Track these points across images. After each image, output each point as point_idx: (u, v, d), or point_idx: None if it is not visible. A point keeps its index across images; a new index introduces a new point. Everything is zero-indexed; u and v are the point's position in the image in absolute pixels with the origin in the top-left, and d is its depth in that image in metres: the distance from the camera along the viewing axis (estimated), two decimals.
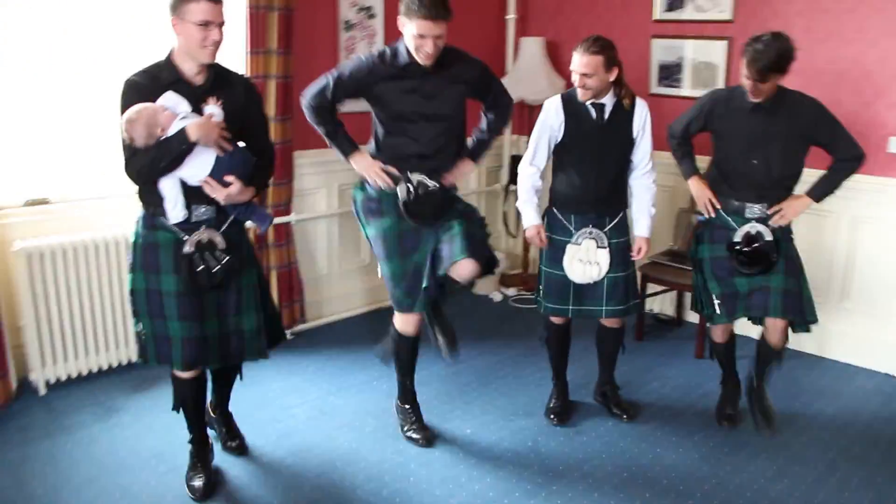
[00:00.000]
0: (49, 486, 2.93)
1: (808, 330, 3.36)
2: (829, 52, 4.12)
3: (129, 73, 2.68)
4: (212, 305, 2.80)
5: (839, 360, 4.27)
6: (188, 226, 2.70)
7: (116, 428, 3.35)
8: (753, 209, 3.24)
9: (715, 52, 4.49)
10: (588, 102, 3.19)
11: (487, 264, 3.20)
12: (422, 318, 3.29)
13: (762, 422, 3.43)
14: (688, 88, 4.61)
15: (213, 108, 2.64)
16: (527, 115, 5.17)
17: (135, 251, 2.79)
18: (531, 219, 3.29)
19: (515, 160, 5.28)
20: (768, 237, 3.20)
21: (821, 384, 4.00)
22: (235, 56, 3.87)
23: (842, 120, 4.10)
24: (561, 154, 3.30)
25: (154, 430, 3.34)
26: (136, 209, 2.82)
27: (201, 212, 2.72)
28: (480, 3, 5.16)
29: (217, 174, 2.66)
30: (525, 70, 4.98)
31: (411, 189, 3.06)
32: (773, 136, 3.15)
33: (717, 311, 3.33)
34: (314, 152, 4.24)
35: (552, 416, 3.53)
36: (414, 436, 3.33)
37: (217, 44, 2.60)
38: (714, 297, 3.33)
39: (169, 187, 2.66)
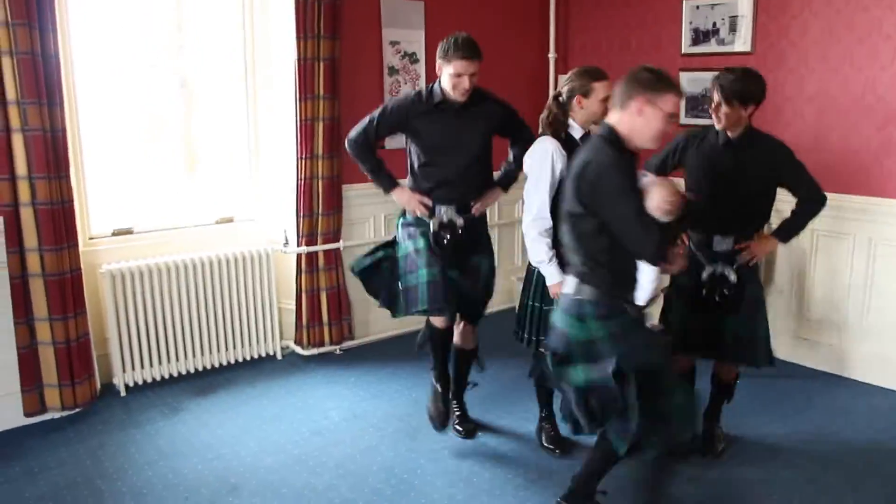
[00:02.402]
0: (118, 466, 3.50)
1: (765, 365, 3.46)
2: (843, 79, 4.29)
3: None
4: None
5: (858, 379, 4.36)
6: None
7: (178, 424, 3.91)
8: (721, 242, 3.37)
9: None
10: (579, 137, 3.28)
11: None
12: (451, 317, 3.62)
13: (705, 447, 3.59)
14: None
15: None
16: None
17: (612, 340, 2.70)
18: (557, 276, 3.17)
19: None
20: (732, 278, 3.32)
21: (834, 402, 4.12)
22: (287, 101, 4.46)
23: (856, 144, 4.29)
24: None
25: (208, 427, 3.87)
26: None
27: None
28: (526, 43, 5.61)
29: None
30: None
31: (442, 223, 3.49)
32: (742, 172, 3.29)
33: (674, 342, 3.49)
34: (361, 185, 4.72)
35: (554, 449, 3.65)
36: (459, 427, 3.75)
37: None
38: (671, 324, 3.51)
39: (652, 269, 2.71)
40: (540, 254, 3.24)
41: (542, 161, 3.21)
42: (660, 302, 3.36)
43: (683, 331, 3.43)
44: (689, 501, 3.24)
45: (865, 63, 4.19)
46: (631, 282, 2.69)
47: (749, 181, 3.31)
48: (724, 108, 3.21)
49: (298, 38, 4.31)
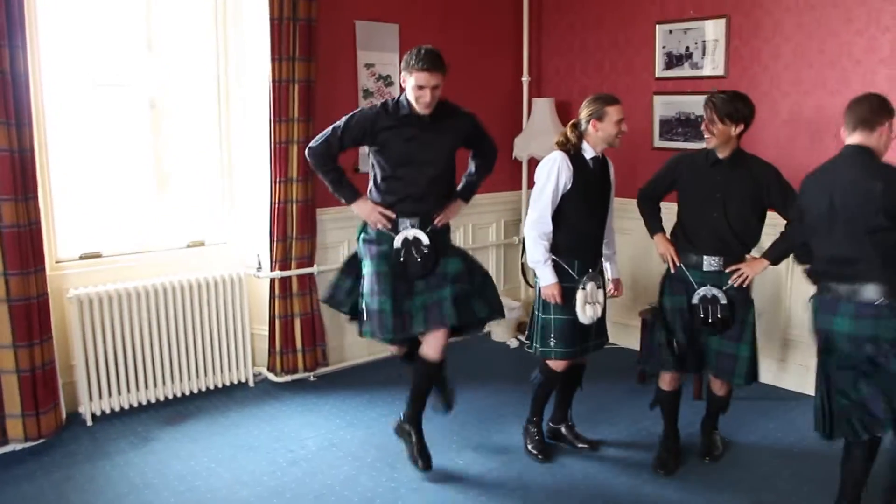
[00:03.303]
0: (85, 500, 3.34)
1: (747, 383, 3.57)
2: (816, 101, 4.35)
3: None
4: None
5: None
6: None
7: (149, 454, 3.77)
8: (711, 262, 3.44)
9: None
10: (590, 158, 3.49)
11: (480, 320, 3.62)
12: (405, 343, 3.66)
13: (705, 451, 3.76)
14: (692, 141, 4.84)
15: None
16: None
17: None
18: (551, 277, 3.47)
19: None
20: (723, 301, 3.41)
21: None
22: (261, 124, 4.39)
23: None
24: (565, 206, 3.48)
25: (180, 457, 3.74)
26: None
27: None
28: (500, 66, 5.61)
29: None
30: (537, 128, 5.33)
31: (407, 240, 3.42)
32: (731, 190, 3.38)
33: (667, 359, 3.53)
34: (335, 209, 4.65)
35: (538, 454, 3.75)
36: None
37: None
38: (655, 344, 3.55)
39: None
40: (537, 254, 3.47)
41: (550, 171, 3.44)
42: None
43: (671, 349, 3.52)
44: (693, 497, 3.34)
45: (837, 87, 4.25)
46: None
47: (737, 201, 3.40)
48: (717, 125, 3.32)
49: (273, 59, 4.26)
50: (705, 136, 3.40)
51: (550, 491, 3.46)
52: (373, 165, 3.53)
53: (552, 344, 3.54)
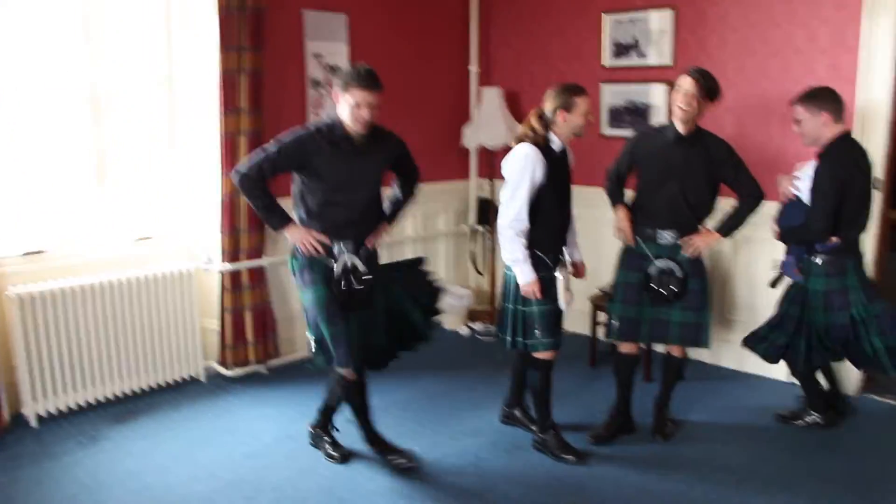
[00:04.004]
0: (33, 503, 3.25)
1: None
2: (759, 90, 4.46)
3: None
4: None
5: (780, 379, 4.53)
6: None
7: (99, 454, 3.67)
8: (664, 235, 3.57)
9: (656, 94, 4.84)
10: (557, 148, 3.46)
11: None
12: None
13: (657, 429, 3.85)
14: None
15: None
16: (485, 160, 5.57)
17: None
18: (530, 274, 3.42)
19: (482, 203, 5.65)
20: (678, 274, 3.57)
21: (759, 400, 4.29)
22: (209, 115, 4.31)
23: (773, 153, 4.43)
24: (539, 198, 3.43)
25: (132, 455, 3.66)
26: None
27: None
28: (447, 56, 5.60)
29: None
30: (486, 117, 5.35)
31: (346, 268, 3.36)
32: (690, 166, 3.51)
33: (615, 331, 3.68)
34: (283, 200, 4.56)
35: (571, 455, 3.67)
36: (333, 453, 3.64)
37: None
38: (613, 316, 3.67)
39: None
40: (515, 252, 3.42)
41: (524, 167, 3.38)
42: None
43: (630, 321, 3.66)
44: (647, 478, 3.39)
45: (779, 76, 4.37)
46: None
47: (695, 176, 3.52)
48: (698, 99, 3.42)
49: (222, 49, 4.18)
50: (681, 107, 3.43)
51: (506, 475, 3.50)
52: (303, 195, 3.38)
53: (538, 335, 3.51)
